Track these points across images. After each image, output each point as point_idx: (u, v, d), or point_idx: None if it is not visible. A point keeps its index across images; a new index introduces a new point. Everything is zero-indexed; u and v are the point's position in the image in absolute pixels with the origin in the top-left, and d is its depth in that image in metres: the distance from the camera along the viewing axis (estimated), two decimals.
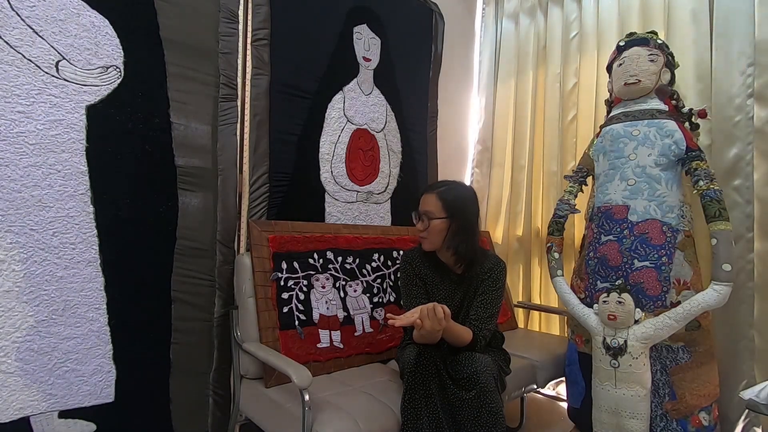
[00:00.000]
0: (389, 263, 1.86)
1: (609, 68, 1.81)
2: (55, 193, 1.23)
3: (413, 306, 1.32)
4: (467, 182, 2.81)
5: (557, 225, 1.84)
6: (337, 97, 1.89)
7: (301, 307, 1.54)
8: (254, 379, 1.44)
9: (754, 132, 1.71)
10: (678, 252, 1.55)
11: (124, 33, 1.35)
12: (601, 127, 1.81)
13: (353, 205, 1.95)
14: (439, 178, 2.37)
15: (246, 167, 1.60)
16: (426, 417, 1.20)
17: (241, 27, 1.59)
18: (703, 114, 1.68)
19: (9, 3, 1.16)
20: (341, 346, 1.58)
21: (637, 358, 1.45)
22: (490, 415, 1.18)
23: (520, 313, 2.44)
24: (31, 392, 1.20)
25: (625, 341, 1.46)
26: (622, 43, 1.75)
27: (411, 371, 1.23)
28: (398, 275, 1.56)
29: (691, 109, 1.69)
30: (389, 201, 2.09)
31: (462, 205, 1.40)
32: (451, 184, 1.45)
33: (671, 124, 1.61)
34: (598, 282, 1.65)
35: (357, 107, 1.96)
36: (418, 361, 1.23)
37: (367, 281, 1.76)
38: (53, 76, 1.23)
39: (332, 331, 1.58)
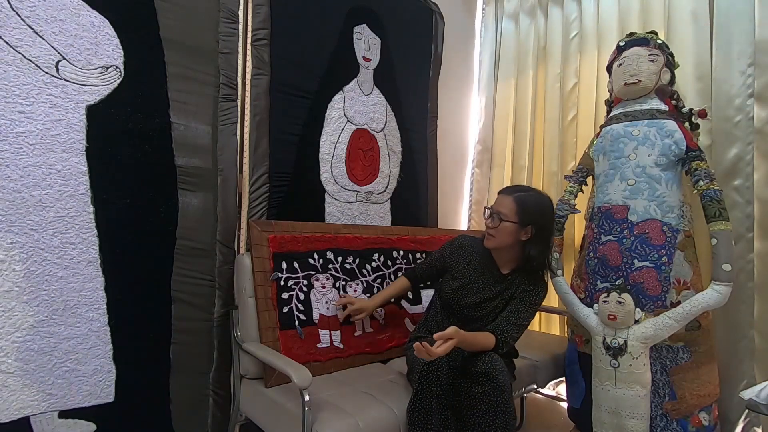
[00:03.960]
0: (389, 263, 1.86)
1: (609, 68, 1.81)
2: (55, 193, 1.23)
3: (420, 266, 1.61)
4: (467, 182, 2.81)
5: (557, 225, 1.83)
6: (337, 97, 1.89)
7: (301, 307, 1.54)
8: (254, 379, 1.43)
9: (754, 132, 1.71)
10: (678, 252, 1.55)
11: (124, 33, 1.35)
12: (601, 127, 1.81)
13: (353, 205, 1.95)
14: (439, 179, 2.38)
15: (246, 167, 1.60)
16: (436, 417, 1.19)
17: (241, 27, 1.59)
18: (703, 114, 1.68)
19: (9, 3, 1.16)
20: (341, 346, 1.58)
21: (637, 358, 1.45)
22: (504, 414, 1.18)
23: None
24: (31, 392, 1.19)
25: (625, 341, 1.46)
26: (622, 43, 1.75)
27: (422, 370, 1.22)
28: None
29: (691, 109, 1.69)
30: (389, 201, 2.09)
31: (536, 215, 1.37)
32: (529, 190, 1.43)
33: (671, 124, 1.61)
34: (598, 282, 1.65)
35: (357, 107, 1.96)
36: (429, 362, 1.21)
37: (367, 281, 1.76)
38: (53, 76, 1.23)
39: (332, 331, 1.58)
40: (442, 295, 1.50)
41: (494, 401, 1.19)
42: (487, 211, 1.43)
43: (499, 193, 1.44)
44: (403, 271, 1.83)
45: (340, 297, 1.63)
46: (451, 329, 1.18)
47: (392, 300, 1.78)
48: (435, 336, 1.16)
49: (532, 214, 1.37)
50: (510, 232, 1.37)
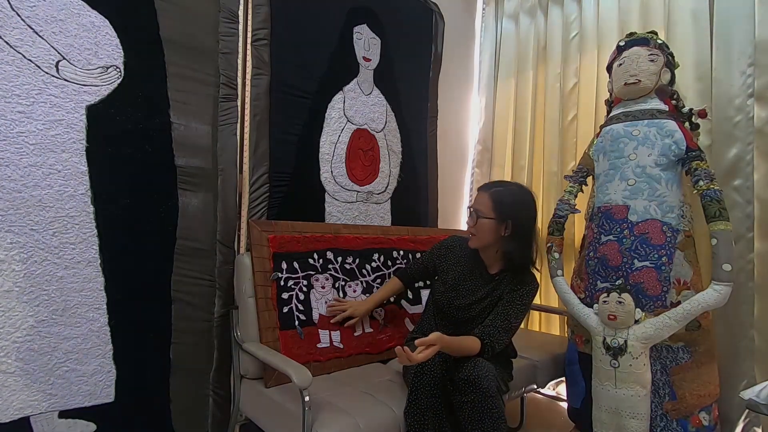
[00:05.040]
0: (389, 263, 1.86)
1: (609, 68, 1.81)
2: (55, 193, 1.23)
3: (412, 266, 1.62)
4: (467, 182, 2.81)
5: (557, 225, 1.84)
6: (337, 97, 1.89)
7: (301, 307, 1.54)
8: (254, 379, 1.43)
9: (754, 132, 1.71)
10: (678, 252, 1.55)
11: (124, 33, 1.35)
12: (601, 127, 1.81)
13: (353, 205, 1.95)
14: (439, 179, 2.38)
15: (246, 167, 1.59)
16: (431, 418, 1.19)
17: (241, 27, 1.59)
18: (703, 114, 1.68)
19: (9, 3, 1.16)
20: (341, 346, 1.58)
21: (637, 358, 1.45)
22: (491, 420, 1.17)
23: None
24: (31, 392, 1.20)
25: (625, 341, 1.46)
26: (622, 43, 1.75)
27: (415, 372, 1.22)
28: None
29: (691, 109, 1.69)
30: (389, 201, 2.09)
31: (514, 209, 1.34)
32: (508, 185, 1.41)
33: (671, 124, 1.61)
34: (598, 282, 1.65)
35: (357, 107, 1.96)
36: (422, 363, 1.20)
37: (366, 281, 1.75)
38: (53, 76, 1.23)
39: (332, 331, 1.58)
40: (434, 298, 1.49)
41: (479, 409, 1.17)
42: (467, 210, 1.42)
43: (477, 190, 1.41)
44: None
45: (334, 300, 1.63)
46: (433, 335, 1.16)
47: (392, 300, 1.79)
48: (416, 342, 1.15)
49: (509, 209, 1.33)
50: (489, 229, 1.34)
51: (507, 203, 1.34)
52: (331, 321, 1.58)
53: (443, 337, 1.17)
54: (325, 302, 1.60)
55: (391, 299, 1.79)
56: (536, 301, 2.45)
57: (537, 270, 1.43)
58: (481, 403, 1.17)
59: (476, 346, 1.26)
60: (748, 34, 1.73)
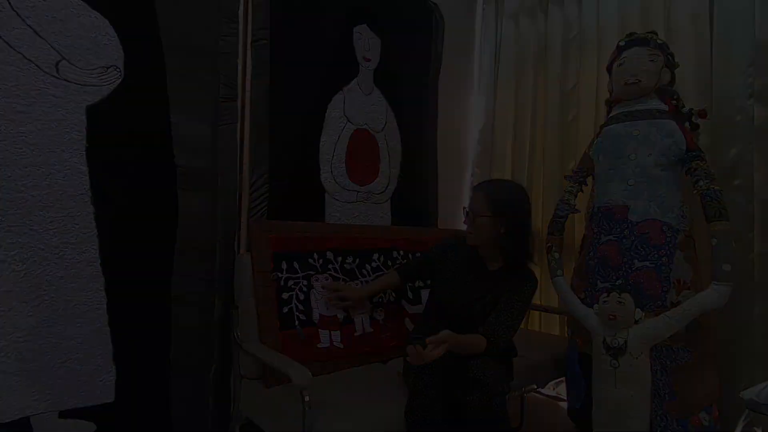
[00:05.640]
0: (389, 263, 1.85)
1: (609, 68, 1.81)
2: (55, 193, 1.23)
3: (410, 263, 1.62)
4: (467, 182, 2.81)
5: (557, 225, 1.83)
6: (337, 97, 1.89)
7: (301, 307, 1.54)
8: (254, 379, 1.43)
9: (754, 132, 1.71)
10: (678, 252, 1.55)
11: (124, 33, 1.34)
12: (602, 127, 1.81)
13: (353, 205, 1.95)
14: (439, 179, 2.38)
15: (246, 167, 1.60)
16: (432, 420, 1.19)
17: (241, 27, 1.59)
18: (703, 114, 1.68)
19: (9, 3, 1.15)
20: (341, 346, 1.58)
21: (637, 358, 1.45)
22: (495, 419, 1.18)
23: None
24: (31, 392, 1.19)
25: (626, 341, 1.46)
26: (622, 43, 1.74)
27: (416, 372, 1.23)
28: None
29: (691, 109, 1.68)
30: (389, 201, 2.09)
31: (509, 205, 1.38)
32: (500, 182, 1.46)
33: (671, 124, 1.61)
34: (598, 282, 1.65)
35: (357, 107, 1.96)
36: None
37: (366, 281, 1.75)
38: (53, 76, 1.23)
39: (332, 331, 1.58)
40: (434, 298, 1.50)
41: (484, 408, 1.18)
42: (464, 210, 1.44)
43: (472, 191, 1.43)
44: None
45: (330, 281, 1.63)
46: (443, 333, 1.17)
47: (392, 299, 1.79)
48: (427, 340, 1.15)
49: (504, 206, 1.37)
50: (486, 226, 1.37)
51: (502, 200, 1.37)
52: (327, 298, 1.59)
53: (452, 335, 1.19)
54: (326, 302, 1.60)
55: (391, 298, 1.79)
56: (536, 301, 2.45)
57: (535, 264, 1.44)
58: (487, 402, 1.18)
59: (482, 345, 1.28)
60: (748, 34, 1.73)
